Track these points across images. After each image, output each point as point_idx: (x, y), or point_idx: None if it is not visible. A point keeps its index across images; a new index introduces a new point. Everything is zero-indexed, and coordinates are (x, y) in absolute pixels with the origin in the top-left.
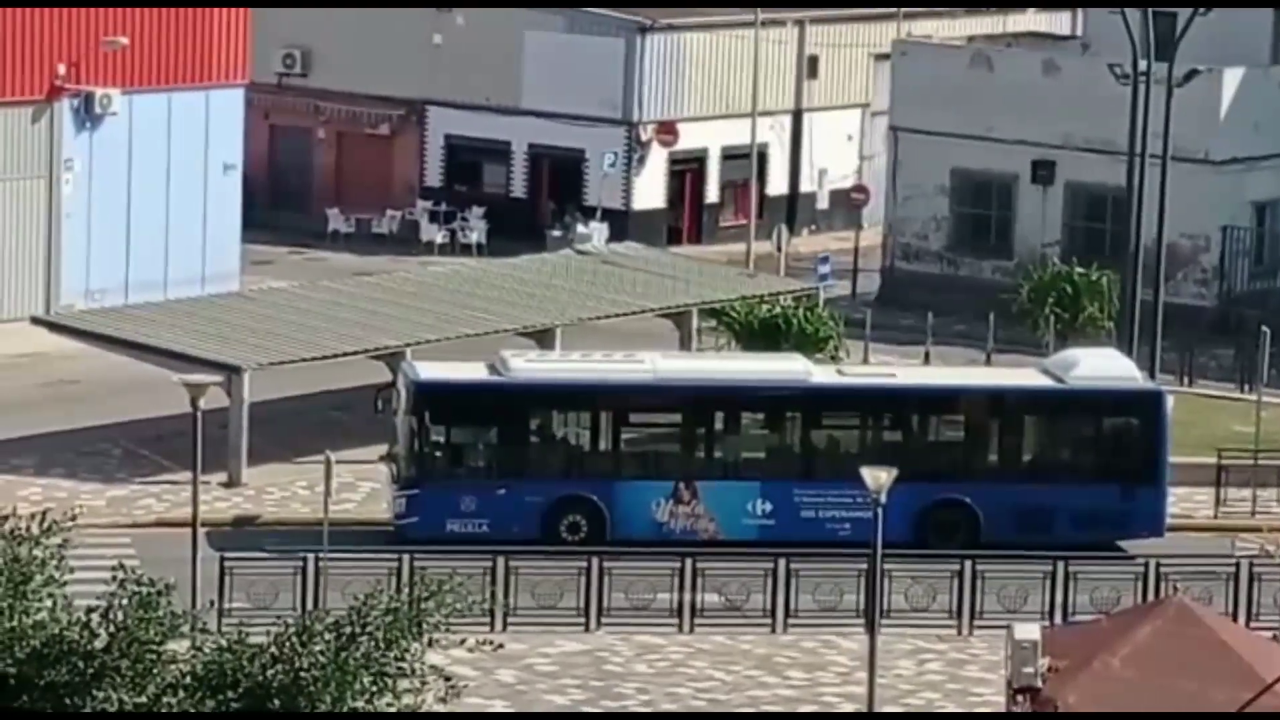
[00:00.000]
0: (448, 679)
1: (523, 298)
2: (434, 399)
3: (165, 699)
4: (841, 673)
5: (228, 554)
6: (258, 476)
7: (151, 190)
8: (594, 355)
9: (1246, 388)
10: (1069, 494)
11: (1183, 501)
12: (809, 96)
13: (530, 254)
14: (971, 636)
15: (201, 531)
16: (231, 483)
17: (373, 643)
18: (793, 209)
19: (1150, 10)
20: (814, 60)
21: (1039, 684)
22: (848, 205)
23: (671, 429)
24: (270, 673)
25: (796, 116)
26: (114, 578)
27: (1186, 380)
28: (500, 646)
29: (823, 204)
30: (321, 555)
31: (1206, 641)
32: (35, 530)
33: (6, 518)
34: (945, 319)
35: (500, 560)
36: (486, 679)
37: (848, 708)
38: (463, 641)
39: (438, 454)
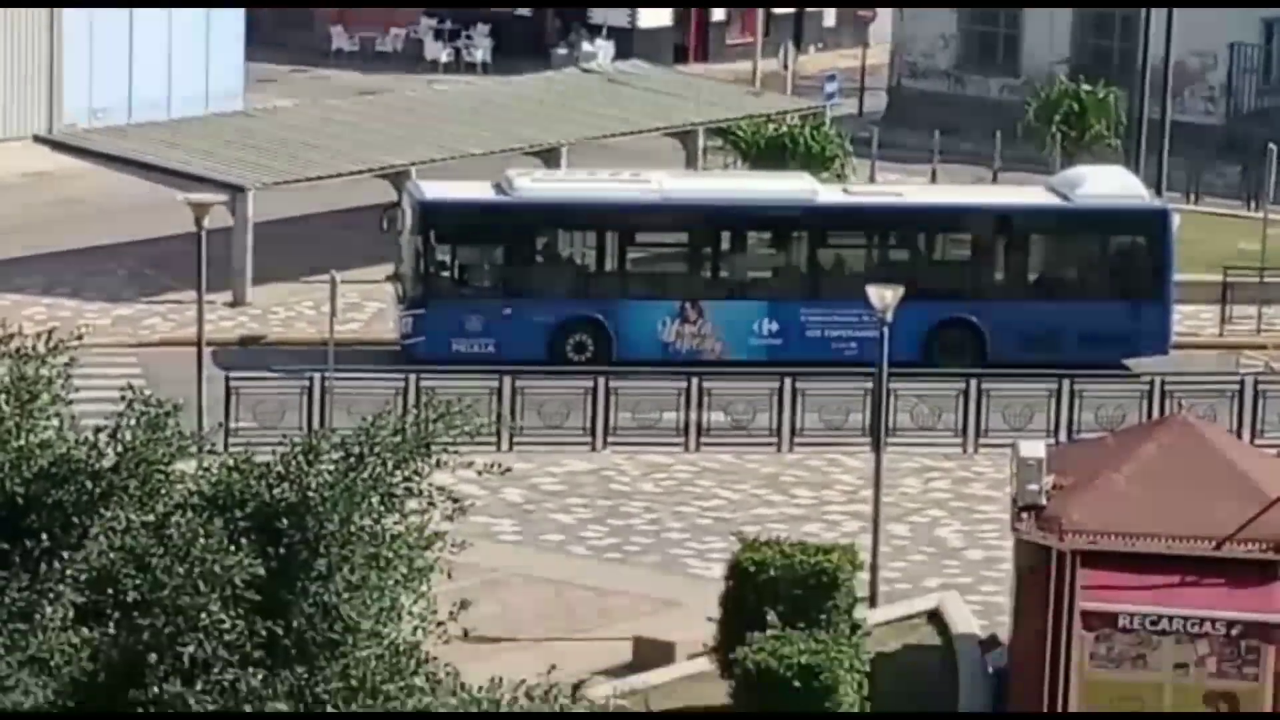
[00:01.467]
0: (455, 500)
1: (528, 116)
2: (440, 218)
3: (173, 518)
4: (847, 491)
5: (233, 374)
6: (263, 296)
7: (154, 7)
8: (600, 174)
9: (1253, 205)
10: (1075, 312)
11: (1188, 319)
12: None
13: (535, 72)
14: (977, 455)
15: (207, 351)
16: (237, 302)
17: (380, 463)
18: (799, 27)
19: None
20: None
21: (1043, 501)
22: (854, 23)
23: (678, 249)
24: (277, 492)
25: None
26: (122, 398)
27: (1193, 198)
28: (508, 470)
29: (829, 21)
30: (327, 375)
31: (1211, 458)
32: (41, 349)
33: (12, 336)
34: (952, 137)
35: (507, 380)
36: (493, 498)
37: (853, 526)
38: (470, 464)
39: (443, 274)
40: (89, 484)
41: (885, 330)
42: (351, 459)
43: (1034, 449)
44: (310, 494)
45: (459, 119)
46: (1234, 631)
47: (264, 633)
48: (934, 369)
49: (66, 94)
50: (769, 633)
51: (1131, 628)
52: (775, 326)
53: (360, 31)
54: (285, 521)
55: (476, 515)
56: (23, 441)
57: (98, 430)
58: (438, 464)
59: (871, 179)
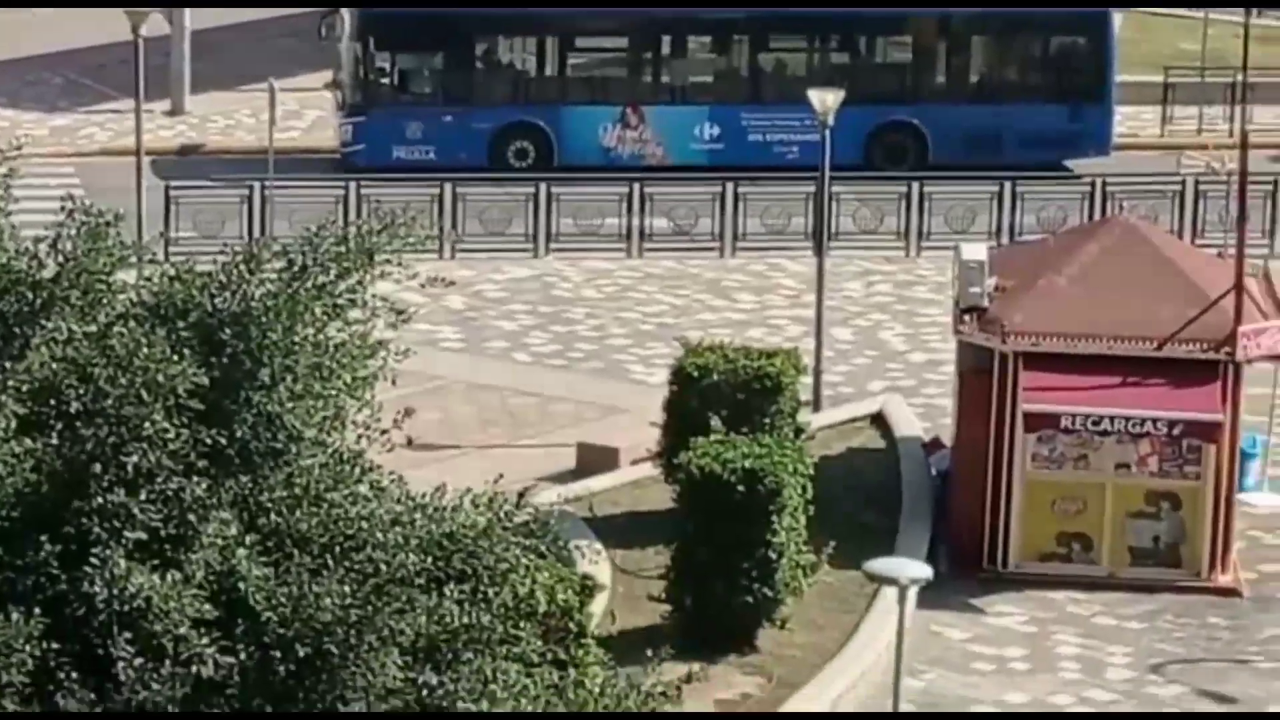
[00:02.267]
0: (399, 310)
1: None
2: (379, 24)
3: (115, 328)
4: (790, 295)
5: (173, 183)
6: (202, 105)
7: None
8: None
9: (1193, 4)
10: (1016, 114)
11: (1129, 120)
12: None
13: None
14: (919, 258)
15: (146, 161)
16: (175, 111)
17: (323, 273)
18: None
19: None
20: None
21: (985, 304)
22: None
23: (619, 53)
24: (219, 301)
25: None
26: (62, 208)
27: None
28: (452, 283)
29: None
30: (267, 184)
31: (1152, 259)
32: None
33: None
34: None
35: (448, 187)
36: (436, 306)
37: (796, 330)
38: (414, 276)
39: (383, 81)
40: (30, 294)
41: (827, 134)
42: (294, 269)
43: (976, 251)
44: (253, 304)
45: None
46: (1175, 431)
47: (208, 442)
48: (876, 172)
49: None
50: (712, 437)
51: (1073, 428)
52: (717, 131)
53: None
54: (228, 331)
55: (419, 323)
56: None
57: (37, 240)
58: (381, 274)
59: None
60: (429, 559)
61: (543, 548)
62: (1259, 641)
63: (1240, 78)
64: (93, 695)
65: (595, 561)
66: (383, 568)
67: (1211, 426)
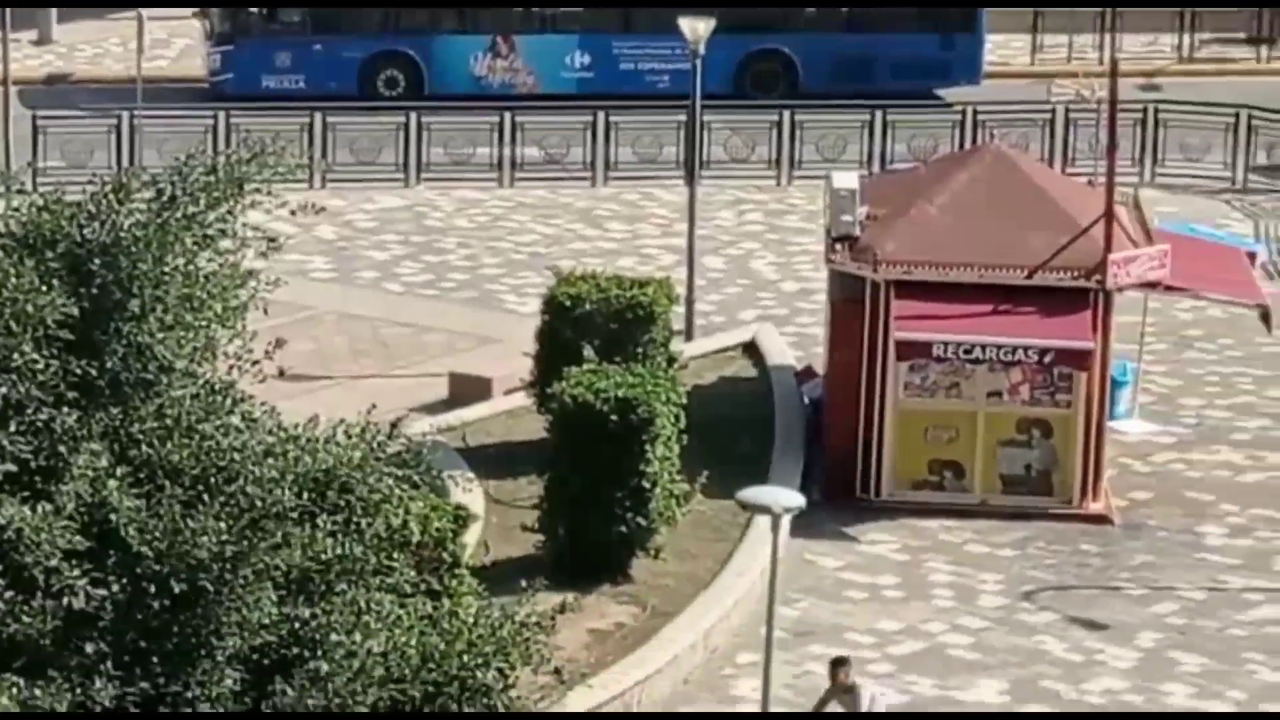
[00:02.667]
0: (270, 239)
1: None
2: None
3: None
4: (661, 224)
5: (40, 112)
6: (68, 34)
7: None
8: None
9: None
10: (887, 43)
11: (999, 48)
12: None
13: None
14: (790, 186)
15: (13, 90)
16: (42, 40)
17: (194, 203)
18: None
19: None
20: None
21: (857, 232)
22: None
23: None
24: (88, 232)
25: None
26: None
27: None
28: (322, 209)
29: None
30: (136, 113)
31: (1023, 187)
32: None
33: None
34: None
35: (318, 116)
36: (307, 235)
37: (668, 259)
38: (284, 205)
39: (252, 9)
40: None
41: (698, 62)
42: (164, 198)
43: (847, 180)
44: (122, 234)
45: None
46: (1046, 359)
47: (78, 373)
48: (747, 101)
49: None
50: (585, 367)
51: (945, 357)
52: (587, 60)
53: None
54: (97, 262)
55: (290, 253)
56: None
57: None
58: (252, 204)
59: None
60: (304, 494)
61: (416, 478)
62: (1130, 568)
63: (1109, 5)
64: None
65: (468, 492)
66: (258, 503)
67: (1082, 354)
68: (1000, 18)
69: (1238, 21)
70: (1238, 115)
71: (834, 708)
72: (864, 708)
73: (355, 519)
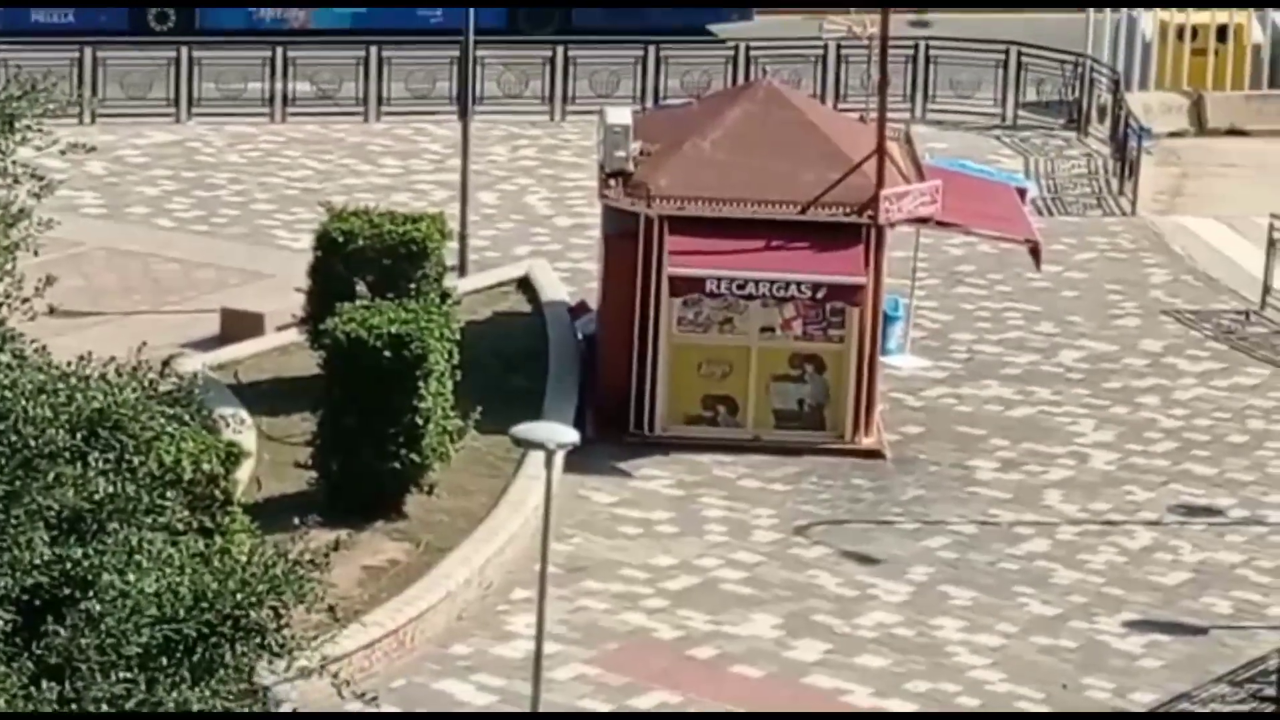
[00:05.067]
0: (40, 178)
1: None
2: None
3: None
4: (434, 160)
5: None
6: None
7: None
8: None
9: None
10: None
11: None
12: None
13: None
14: (564, 122)
15: None
16: None
17: None
18: None
19: None
20: None
21: (630, 168)
22: None
23: None
24: None
25: None
26: None
27: None
28: (93, 149)
29: None
30: None
31: (796, 123)
32: None
33: None
34: None
35: (88, 51)
36: (77, 171)
37: (441, 195)
38: (55, 142)
39: None
40: None
41: None
42: None
43: (621, 115)
44: None
45: None
46: (819, 294)
47: None
48: (520, 36)
49: None
50: (358, 303)
51: (718, 292)
52: None
53: None
54: None
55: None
56: None
57: None
58: (22, 140)
59: None
60: (76, 433)
61: (187, 416)
62: (902, 503)
63: None
64: None
65: (240, 429)
66: (30, 442)
67: (854, 289)
68: None
69: None
70: (1008, 52)
71: None
72: None
73: (127, 457)
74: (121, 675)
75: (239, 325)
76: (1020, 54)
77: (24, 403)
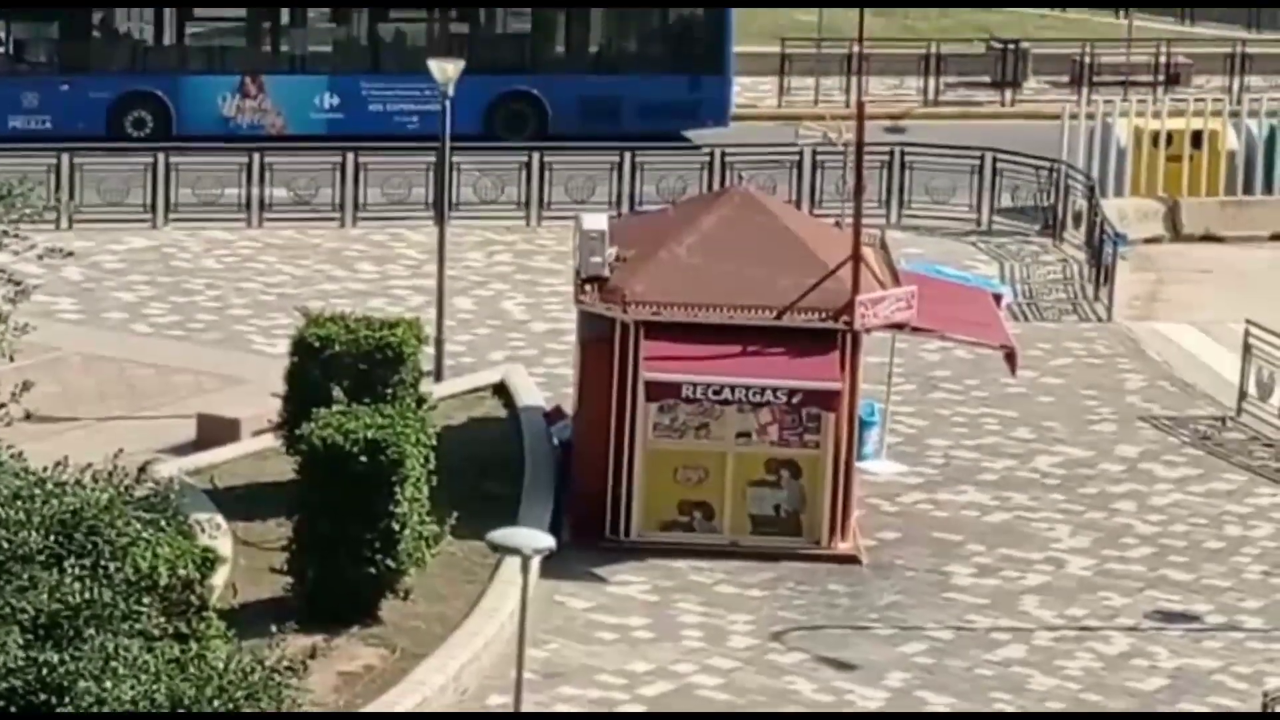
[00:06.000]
0: (17, 283)
1: None
2: None
3: None
4: (411, 265)
5: None
6: None
7: None
8: None
9: None
10: (635, 85)
11: (747, 91)
12: None
13: None
14: (540, 227)
15: None
16: None
17: None
18: None
19: None
20: None
21: (606, 273)
22: None
23: (237, 21)
24: None
25: None
26: None
27: None
28: (70, 254)
29: None
30: None
31: (771, 228)
32: None
33: None
34: None
35: (65, 157)
36: (53, 277)
37: (418, 300)
38: (32, 247)
39: None
40: None
41: (447, 103)
42: None
43: (596, 221)
44: None
45: None
46: (795, 400)
47: None
48: (496, 142)
49: None
50: (334, 408)
51: (694, 397)
52: (337, 100)
53: None
54: None
55: (36, 295)
56: None
57: None
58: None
59: None
60: (52, 537)
61: (163, 521)
62: (878, 608)
63: (856, 49)
64: None
65: (216, 535)
66: (4, 545)
67: (830, 395)
68: (748, 60)
69: (982, 65)
70: (983, 158)
71: None
72: None
73: (103, 562)
74: None
75: (215, 430)
76: (995, 160)
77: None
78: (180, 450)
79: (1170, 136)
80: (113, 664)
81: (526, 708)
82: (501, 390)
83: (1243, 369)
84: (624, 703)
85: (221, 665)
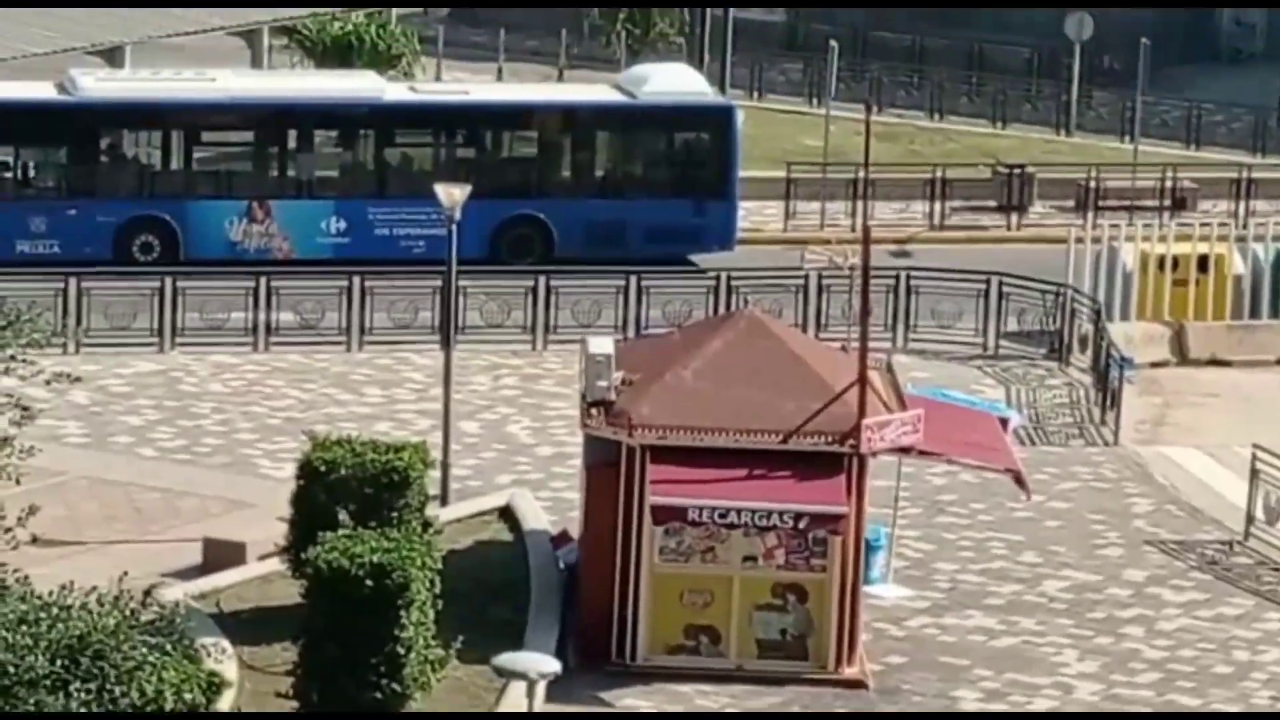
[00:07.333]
0: (24, 408)
1: (89, 15)
2: (1, 119)
3: None
4: (417, 389)
5: None
6: None
7: None
8: (164, 73)
9: (815, 101)
10: (641, 209)
11: (753, 215)
12: None
13: None
14: (546, 351)
15: None
16: None
17: None
18: None
19: None
20: None
21: (612, 397)
22: None
23: (244, 147)
24: None
25: None
26: None
27: (756, 94)
28: (78, 379)
29: None
30: None
31: (776, 352)
32: None
33: None
34: (517, 35)
35: (72, 282)
36: (60, 400)
37: (424, 424)
38: (39, 372)
39: (6, 174)
40: None
41: (454, 228)
42: None
43: (602, 345)
44: None
45: (17, 18)
46: (801, 524)
47: None
48: (502, 266)
49: None
50: (340, 532)
51: (700, 521)
52: (343, 225)
53: None
54: None
55: (43, 418)
56: None
57: None
58: (5, 371)
59: (438, 77)
60: (58, 662)
61: (169, 645)
62: None
63: (861, 173)
64: None
65: (222, 659)
66: (10, 670)
67: (836, 519)
68: (753, 184)
69: (987, 190)
70: (989, 282)
71: None
72: None
73: (109, 687)
74: None
75: (221, 554)
76: (1001, 284)
77: (4, 632)
78: (186, 574)
79: (1176, 261)
80: None
81: None
82: (507, 514)
83: (1250, 493)
84: None
85: None
